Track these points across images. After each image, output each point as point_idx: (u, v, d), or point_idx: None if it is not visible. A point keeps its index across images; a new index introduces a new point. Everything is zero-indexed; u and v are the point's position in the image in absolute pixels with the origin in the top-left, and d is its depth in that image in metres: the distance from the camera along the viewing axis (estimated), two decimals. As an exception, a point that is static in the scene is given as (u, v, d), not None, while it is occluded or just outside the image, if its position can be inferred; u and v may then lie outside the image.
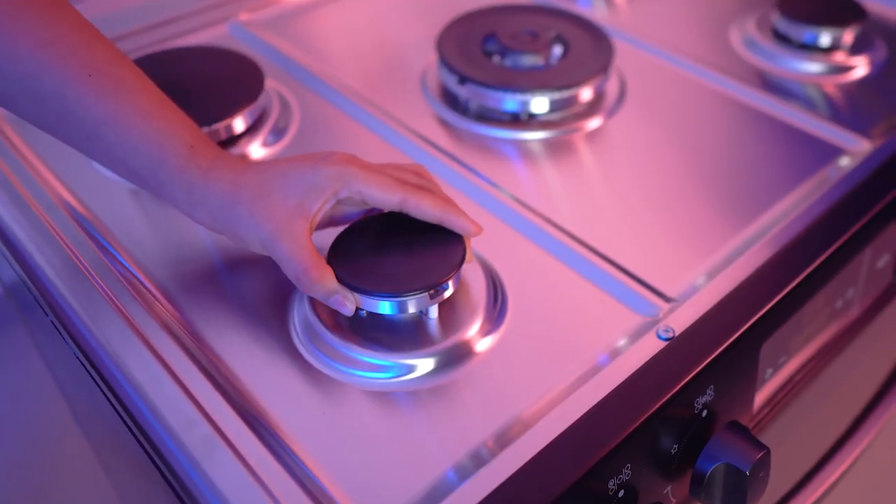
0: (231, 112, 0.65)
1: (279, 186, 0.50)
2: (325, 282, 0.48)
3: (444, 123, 0.71)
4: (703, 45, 0.83)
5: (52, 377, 0.93)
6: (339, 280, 0.49)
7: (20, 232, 0.58)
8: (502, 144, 0.69)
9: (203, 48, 0.74)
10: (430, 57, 0.79)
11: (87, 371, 0.52)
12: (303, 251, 0.48)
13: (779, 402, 0.58)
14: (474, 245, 0.57)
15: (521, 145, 0.69)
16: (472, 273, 0.54)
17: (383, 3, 0.91)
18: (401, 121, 0.71)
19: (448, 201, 0.52)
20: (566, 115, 0.71)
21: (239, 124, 0.66)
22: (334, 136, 0.69)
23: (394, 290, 0.48)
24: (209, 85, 0.69)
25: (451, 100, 0.74)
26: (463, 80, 0.71)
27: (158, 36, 0.82)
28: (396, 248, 0.51)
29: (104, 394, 0.51)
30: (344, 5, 0.90)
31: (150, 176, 0.51)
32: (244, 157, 0.66)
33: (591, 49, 0.74)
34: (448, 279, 0.49)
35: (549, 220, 0.60)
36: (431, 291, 0.49)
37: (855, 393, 0.75)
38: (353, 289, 0.49)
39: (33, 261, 0.55)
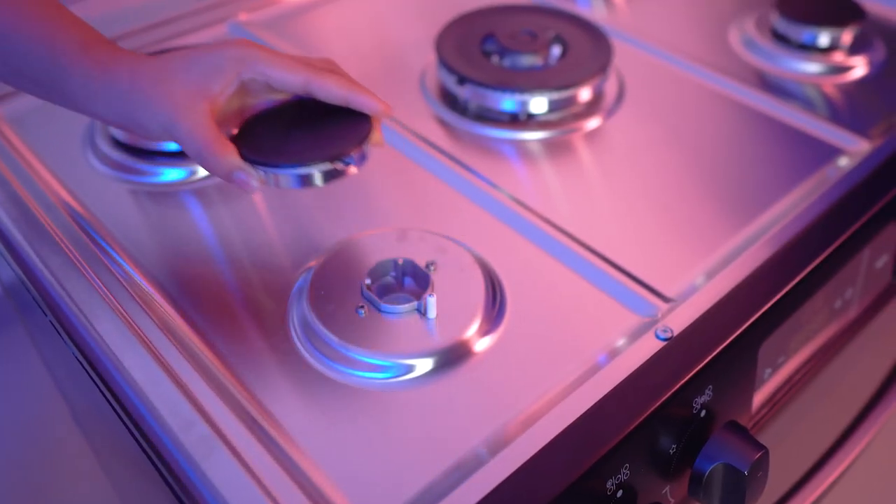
0: None
1: (180, 70, 0.49)
2: (226, 156, 0.48)
3: (443, 123, 0.71)
4: (702, 45, 0.83)
5: (50, 377, 0.93)
6: (243, 158, 0.49)
7: (18, 232, 0.58)
8: (501, 144, 0.69)
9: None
10: (429, 57, 0.79)
11: (86, 371, 0.52)
12: (204, 128, 0.48)
13: (777, 402, 0.58)
14: (473, 244, 0.57)
15: (519, 145, 0.69)
16: (470, 273, 0.54)
17: (382, 4, 0.91)
18: (400, 121, 0.71)
19: (354, 82, 0.51)
20: (565, 116, 0.71)
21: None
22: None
23: (295, 161, 0.48)
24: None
25: (450, 100, 0.74)
26: (462, 80, 0.71)
27: (157, 36, 0.82)
28: (302, 129, 0.51)
29: (103, 394, 0.51)
30: (343, 5, 0.90)
31: (47, 78, 0.50)
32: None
33: (589, 49, 0.74)
34: (352, 151, 0.49)
35: (547, 221, 0.60)
36: (336, 164, 0.49)
37: (854, 393, 0.75)
38: (256, 163, 0.49)
39: (31, 261, 0.55)
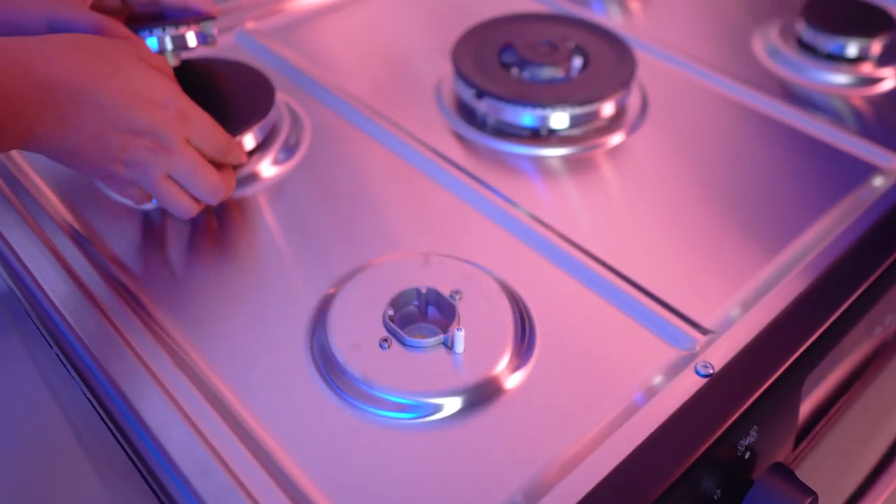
0: (241, 129, 0.62)
1: None
2: (120, 27, 0.54)
3: (460, 138, 0.69)
4: (725, 54, 0.80)
5: (47, 387, 0.91)
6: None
7: (23, 254, 0.55)
8: (521, 161, 0.67)
9: (211, 60, 0.71)
10: (444, 67, 0.77)
11: (94, 408, 0.49)
12: (91, 13, 0.54)
13: (815, 435, 0.55)
14: (497, 269, 0.54)
15: (540, 162, 0.66)
16: (497, 302, 0.52)
17: (391, 12, 0.88)
18: (415, 135, 0.68)
19: None
20: (587, 131, 0.69)
21: (249, 141, 0.63)
22: (346, 152, 0.66)
23: (172, 24, 0.60)
24: (218, 99, 0.66)
25: (467, 113, 0.71)
26: (480, 94, 0.68)
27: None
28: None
29: (112, 432, 0.48)
30: (352, 14, 0.87)
31: None
32: (254, 176, 0.63)
33: (612, 60, 0.72)
34: (208, 24, 0.62)
35: (573, 244, 0.57)
36: (203, 27, 0.61)
37: (892, 420, 0.72)
38: (140, 31, 0.59)
39: (40, 294, 0.53)
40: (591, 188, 0.64)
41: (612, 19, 0.88)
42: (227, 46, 0.80)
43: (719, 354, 0.48)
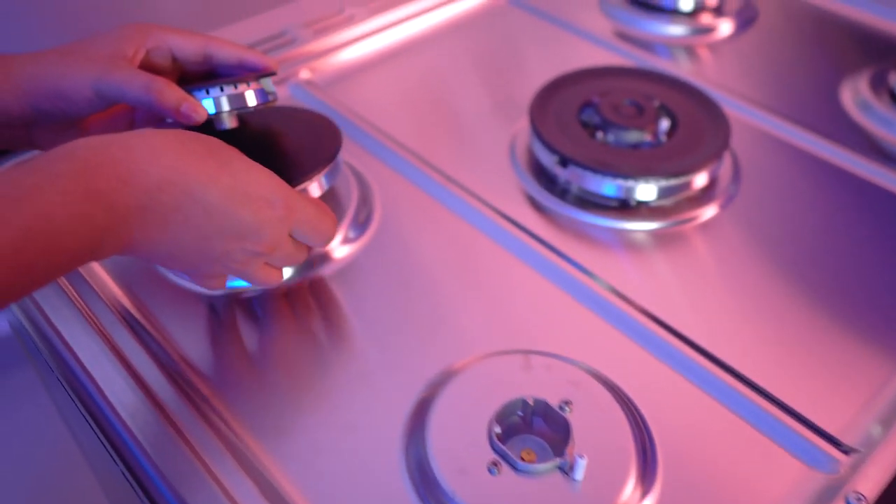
0: (306, 175, 0.56)
1: (93, 43, 0.51)
2: (173, 88, 0.50)
3: (540, 207, 0.64)
4: (811, 107, 0.75)
5: (62, 420, 0.87)
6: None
7: (84, 357, 0.50)
8: (605, 234, 0.62)
9: (273, 109, 0.64)
10: (516, 124, 0.72)
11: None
12: (140, 73, 0.50)
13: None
14: (600, 366, 0.49)
15: (626, 236, 0.61)
16: (611, 414, 0.46)
17: (450, 58, 0.83)
18: (491, 204, 0.63)
19: (246, 47, 0.56)
20: (678, 202, 0.64)
21: (315, 190, 0.57)
22: (419, 226, 0.61)
23: (229, 83, 0.53)
24: (278, 149, 0.60)
25: (546, 179, 0.66)
26: (564, 161, 0.63)
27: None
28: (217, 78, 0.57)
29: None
30: (410, 62, 0.82)
31: None
32: (325, 257, 0.58)
33: (702, 123, 0.67)
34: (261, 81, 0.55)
35: (681, 336, 0.52)
36: (263, 83, 0.55)
37: None
38: (195, 91, 0.52)
39: (107, 407, 0.47)
40: (687, 268, 0.59)
41: (680, 67, 0.83)
42: (281, 99, 0.75)
43: (870, 482, 0.43)
